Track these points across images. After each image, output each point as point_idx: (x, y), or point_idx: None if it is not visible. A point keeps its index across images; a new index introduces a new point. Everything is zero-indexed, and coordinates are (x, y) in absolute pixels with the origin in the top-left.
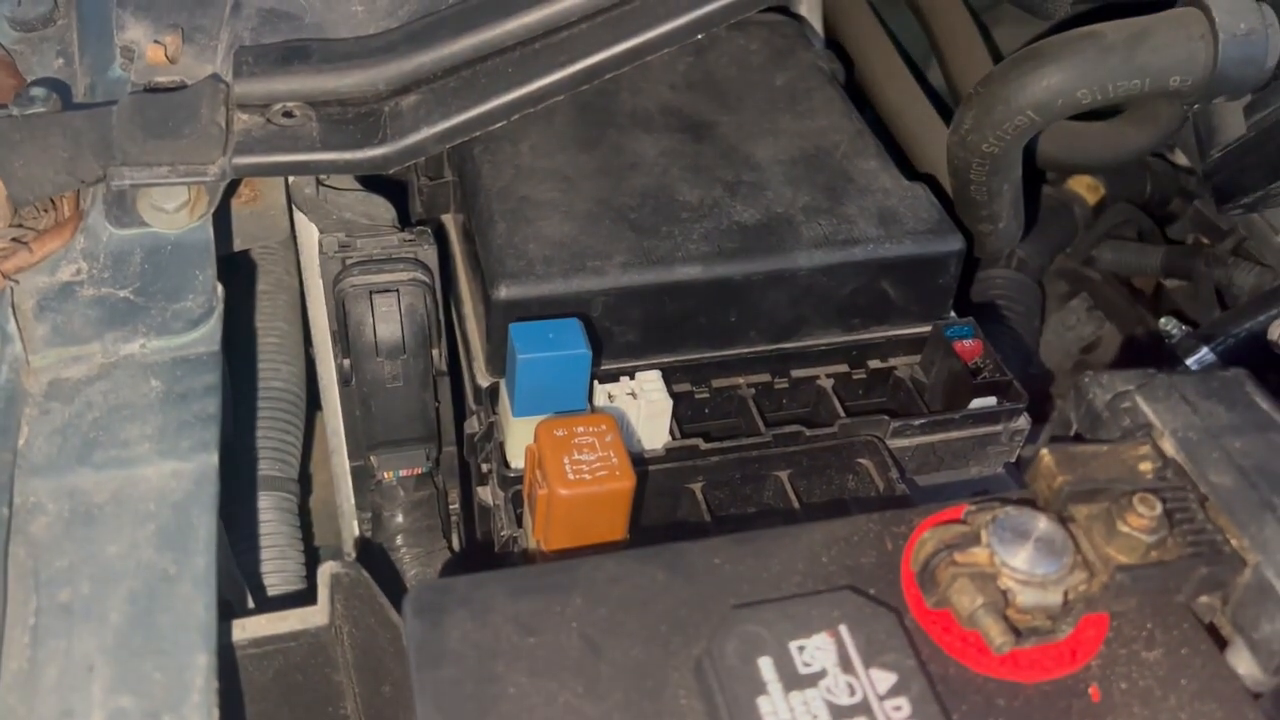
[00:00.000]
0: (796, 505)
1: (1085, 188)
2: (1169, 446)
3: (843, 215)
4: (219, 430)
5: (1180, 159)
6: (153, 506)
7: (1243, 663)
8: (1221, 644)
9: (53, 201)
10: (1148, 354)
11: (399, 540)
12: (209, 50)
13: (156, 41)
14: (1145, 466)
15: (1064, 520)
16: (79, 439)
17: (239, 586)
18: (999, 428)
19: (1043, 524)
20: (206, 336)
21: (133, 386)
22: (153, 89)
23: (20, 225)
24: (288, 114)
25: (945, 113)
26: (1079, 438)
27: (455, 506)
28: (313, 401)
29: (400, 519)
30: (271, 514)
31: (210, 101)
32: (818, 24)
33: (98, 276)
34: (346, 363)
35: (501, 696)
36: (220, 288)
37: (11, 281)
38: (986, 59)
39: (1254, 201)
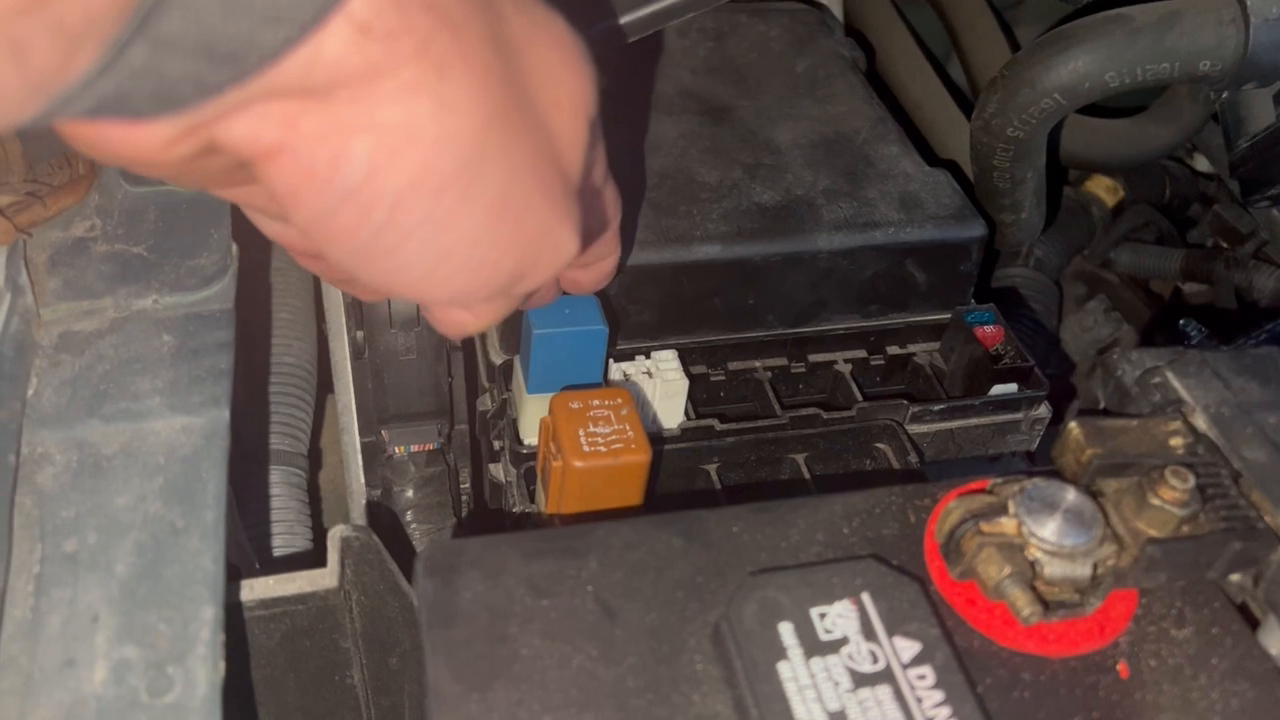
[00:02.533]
0: (813, 487)
1: (1104, 190)
2: (1201, 422)
3: (863, 199)
4: (230, 386)
5: (1200, 164)
6: (162, 460)
7: (1275, 642)
8: (1253, 625)
9: (68, 158)
10: None
11: (408, 516)
12: None
13: None
14: (1176, 442)
15: (1093, 494)
16: (89, 391)
17: (246, 553)
18: (1019, 415)
19: (1072, 495)
20: (220, 294)
21: (144, 341)
22: None
23: (36, 180)
24: None
25: (965, 107)
26: (1107, 413)
27: (466, 486)
28: (324, 384)
29: (410, 494)
30: (281, 488)
31: None
32: (839, 13)
33: (111, 233)
34: (360, 335)
35: (514, 658)
36: (235, 247)
37: (25, 234)
38: (1008, 54)
39: None
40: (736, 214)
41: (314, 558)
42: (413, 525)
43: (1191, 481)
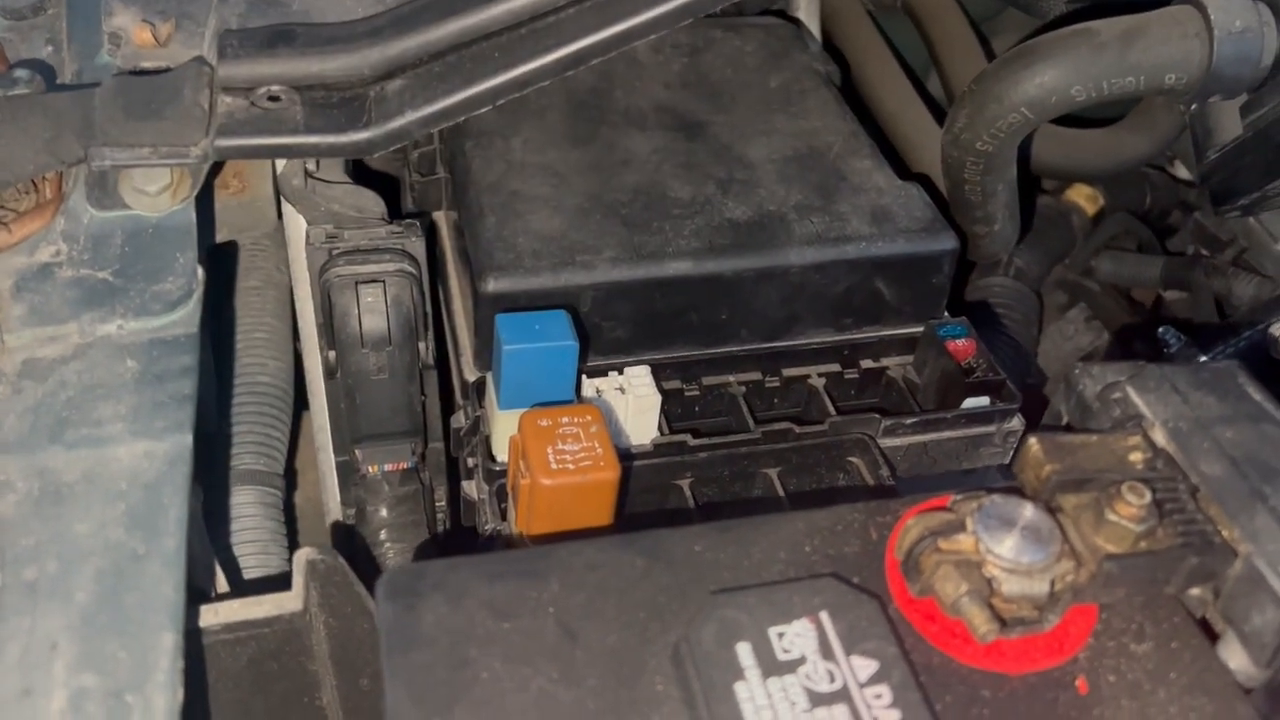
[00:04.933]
0: (785, 502)
1: (1084, 198)
2: (1160, 437)
3: (835, 213)
4: (194, 411)
5: (1180, 171)
6: (124, 486)
7: (1234, 656)
8: (1213, 638)
9: (34, 183)
10: None
11: (382, 535)
12: (196, 37)
13: (145, 20)
14: (1135, 457)
15: (1051, 510)
16: (51, 418)
17: (212, 572)
18: (992, 428)
19: (1029, 512)
20: (185, 318)
21: (108, 366)
22: (137, 72)
23: (1, 206)
24: (272, 97)
25: (942, 118)
26: (1069, 428)
27: (443, 504)
28: (300, 400)
29: (384, 513)
30: (255, 508)
31: (194, 84)
32: (815, 28)
33: (77, 258)
34: (332, 355)
35: (474, 681)
36: (201, 271)
37: None
38: (985, 65)
39: (1251, 203)
40: (709, 229)
41: (289, 579)
42: (387, 544)
43: (1148, 497)
